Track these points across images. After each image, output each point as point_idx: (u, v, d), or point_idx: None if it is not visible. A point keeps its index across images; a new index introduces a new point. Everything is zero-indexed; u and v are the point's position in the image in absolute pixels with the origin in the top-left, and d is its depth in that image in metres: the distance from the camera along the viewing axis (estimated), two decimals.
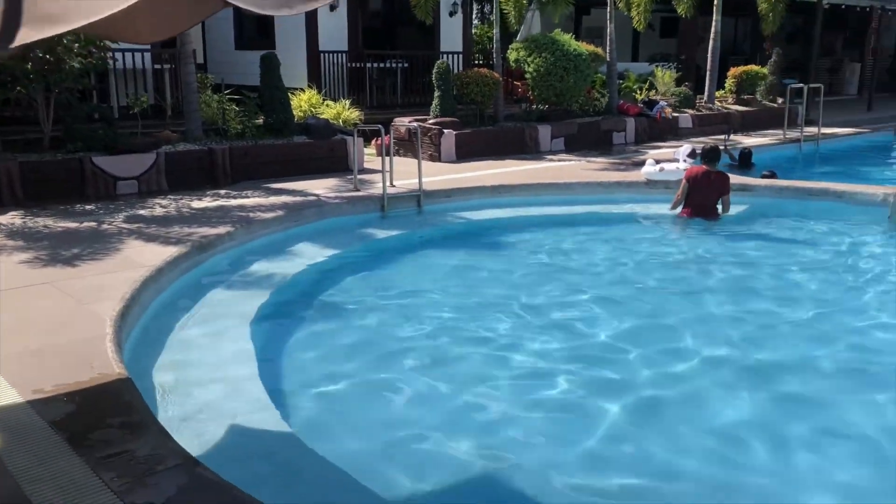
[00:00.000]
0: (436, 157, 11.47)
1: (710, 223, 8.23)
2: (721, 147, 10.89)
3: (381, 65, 14.95)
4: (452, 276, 6.54)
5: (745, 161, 11.49)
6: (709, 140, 12.79)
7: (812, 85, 14.90)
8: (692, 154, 9.95)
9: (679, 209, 8.45)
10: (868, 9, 21.80)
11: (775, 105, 16.89)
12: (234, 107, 10.53)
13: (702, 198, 8.26)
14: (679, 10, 15.64)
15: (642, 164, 9.94)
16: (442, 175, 10.03)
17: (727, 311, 5.75)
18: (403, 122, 11.53)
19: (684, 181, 8.39)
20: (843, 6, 19.88)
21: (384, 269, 6.77)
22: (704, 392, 4.40)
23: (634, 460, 3.65)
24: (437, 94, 12.17)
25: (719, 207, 8.31)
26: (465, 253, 7.39)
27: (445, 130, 11.56)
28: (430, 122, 11.79)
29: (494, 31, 13.12)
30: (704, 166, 8.40)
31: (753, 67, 17.35)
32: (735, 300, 6.00)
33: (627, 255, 7.39)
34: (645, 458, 3.66)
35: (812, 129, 14.51)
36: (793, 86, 14.72)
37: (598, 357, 4.83)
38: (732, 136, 13.66)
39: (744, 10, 19.16)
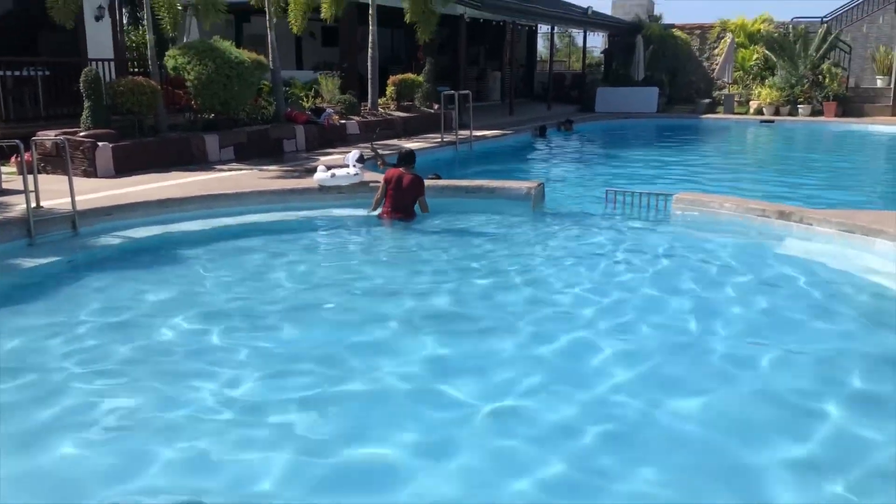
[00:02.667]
0: (91, 173, 10.50)
1: (408, 223, 8.76)
2: (370, 155, 11.45)
3: (18, 73, 13.26)
4: (117, 304, 6.00)
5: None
6: (374, 144, 13.36)
7: (462, 91, 16.27)
8: (360, 159, 10.26)
9: (379, 210, 8.90)
10: (502, 23, 24.37)
11: (432, 110, 18.15)
12: None
13: (399, 199, 8.78)
14: (322, 15, 16.02)
15: (314, 170, 10.04)
16: (100, 192, 9.20)
17: (410, 298, 6.05)
18: (49, 136, 10.36)
19: (382, 182, 8.91)
20: (482, 20, 21.97)
21: (35, 302, 5.99)
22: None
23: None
24: (87, 104, 11.13)
25: (418, 208, 8.95)
26: (131, 276, 6.82)
27: (100, 143, 10.62)
28: (82, 134, 10.75)
29: (148, 37, 12.33)
30: (401, 169, 8.94)
31: (410, 76, 18.50)
32: (413, 288, 6.33)
33: (317, 261, 7.45)
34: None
35: (465, 132, 15.85)
36: (446, 92, 15.93)
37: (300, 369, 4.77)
38: (377, 143, 14.22)
39: (399, 21, 20.28)
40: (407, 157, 9.16)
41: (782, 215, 8.16)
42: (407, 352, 5.06)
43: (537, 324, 5.59)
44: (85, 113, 11.18)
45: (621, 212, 9.52)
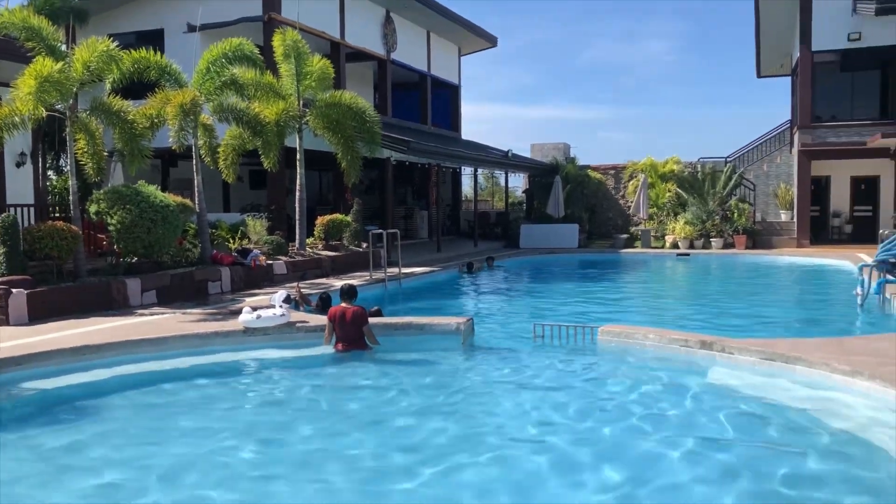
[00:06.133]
0: (3, 321, 10.06)
1: (360, 352, 8.95)
2: (295, 296, 11.41)
3: None
4: (28, 461, 5.61)
5: (326, 304, 11.90)
6: (303, 283, 13.33)
7: (390, 230, 16.55)
8: (287, 299, 10.19)
9: (332, 343, 9.11)
10: (428, 165, 25.24)
11: (361, 249, 18.33)
12: None
13: (346, 332, 9.01)
14: (265, 165, 16.38)
15: (240, 312, 9.88)
16: (12, 340, 8.79)
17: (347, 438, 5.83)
18: None
19: (328, 320, 9.15)
20: (408, 163, 22.70)
21: None
22: None
23: None
24: (2, 250, 10.83)
25: None
26: (44, 429, 6.42)
27: (14, 290, 10.26)
28: None
29: (71, 183, 12.26)
30: (343, 304, 9.18)
31: (338, 216, 18.76)
32: (362, 421, 6.13)
33: (243, 406, 7.18)
34: None
35: (394, 270, 15.99)
36: (374, 231, 16.18)
37: None
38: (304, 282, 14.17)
39: (326, 164, 20.79)
40: (349, 293, 9.39)
41: (704, 345, 8.36)
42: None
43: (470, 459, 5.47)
44: None
45: (549, 344, 9.60)
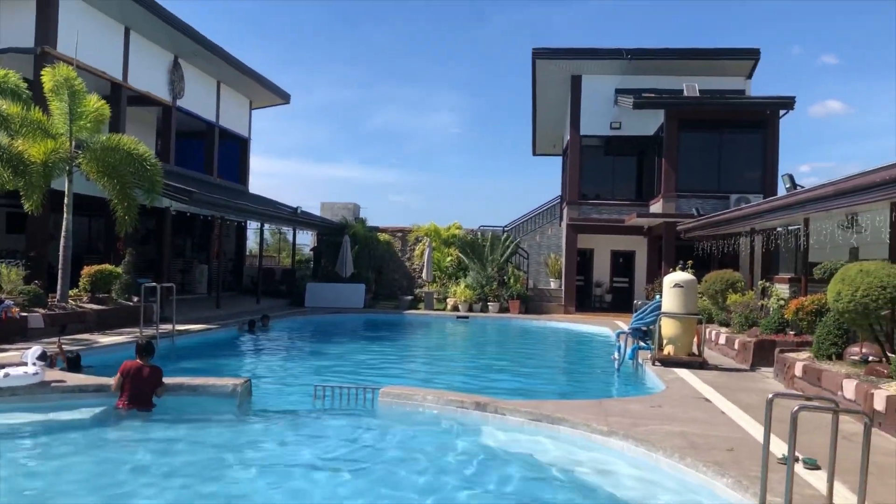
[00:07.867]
0: None
1: (145, 413, 8.56)
2: (54, 353, 10.53)
3: None
4: None
5: (73, 365, 10.91)
6: (64, 339, 12.22)
7: (165, 284, 15.69)
8: (43, 356, 9.28)
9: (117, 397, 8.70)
10: (210, 217, 24.38)
11: (131, 303, 17.16)
12: None
13: (138, 390, 8.66)
14: (26, 208, 14.98)
15: None
16: None
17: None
18: None
19: (119, 375, 8.69)
20: (189, 213, 21.76)
21: None
22: None
23: None
24: None
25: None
26: None
27: None
28: None
29: None
30: (139, 361, 8.85)
31: (108, 266, 17.48)
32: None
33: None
34: None
35: (167, 326, 15.10)
36: (147, 285, 15.24)
37: None
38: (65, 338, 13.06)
39: (97, 209, 19.39)
40: (146, 349, 9.04)
41: (479, 406, 8.71)
42: None
43: None
44: None
45: (330, 406, 9.50)
